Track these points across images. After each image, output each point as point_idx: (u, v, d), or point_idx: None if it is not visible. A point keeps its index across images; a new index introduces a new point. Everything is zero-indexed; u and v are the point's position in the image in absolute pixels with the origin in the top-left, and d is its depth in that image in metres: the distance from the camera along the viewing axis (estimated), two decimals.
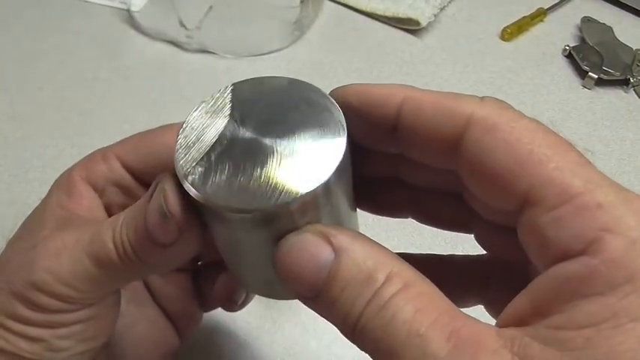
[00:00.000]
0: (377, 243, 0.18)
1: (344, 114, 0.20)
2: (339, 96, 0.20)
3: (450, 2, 0.60)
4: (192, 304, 0.31)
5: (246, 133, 0.20)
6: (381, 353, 0.16)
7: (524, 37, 0.58)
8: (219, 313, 0.35)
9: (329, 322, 0.18)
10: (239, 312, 0.30)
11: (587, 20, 0.58)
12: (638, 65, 0.54)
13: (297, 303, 0.19)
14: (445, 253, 0.26)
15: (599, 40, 0.55)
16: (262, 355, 0.36)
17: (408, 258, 0.18)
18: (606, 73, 0.53)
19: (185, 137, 0.20)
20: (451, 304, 0.17)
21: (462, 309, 0.17)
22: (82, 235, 0.22)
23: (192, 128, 0.20)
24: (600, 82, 0.53)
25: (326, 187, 0.18)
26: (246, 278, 0.24)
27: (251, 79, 0.21)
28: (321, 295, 0.17)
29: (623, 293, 0.14)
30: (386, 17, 0.59)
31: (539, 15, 0.59)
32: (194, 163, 0.19)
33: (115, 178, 0.25)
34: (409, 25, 0.58)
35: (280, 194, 0.18)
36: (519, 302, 0.16)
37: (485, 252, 0.24)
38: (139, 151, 0.25)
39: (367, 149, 0.22)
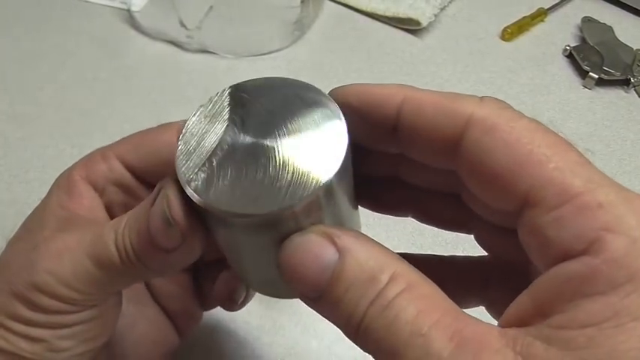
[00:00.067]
0: (380, 244, 0.18)
1: (344, 114, 0.20)
2: (339, 96, 0.20)
3: (450, 2, 0.60)
4: (192, 302, 0.31)
5: (246, 137, 0.19)
6: (384, 353, 0.16)
7: (524, 37, 0.58)
8: (219, 313, 0.35)
9: (330, 323, 0.18)
10: (239, 312, 0.30)
11: (587, 20, 0.58)
12: (638, 65, 0.54)
13: (297, 303, 0.19)
14: (446, 253, 0.26)
15: (599, 40, 0.55)
16: (262, 355, 0.36)
17: (409, 258, 0.18)
18: (607, 73, 0.53)
19: (185, 143, 0.20)
20: (453, 304, 0.17)
21: (463, 310, 0.17)
22: (84, 236, 0.22)
23: (192, 134, 0.20)
24: (601, 82, 0.53)
25: (329, 188, 0.18)
26: (248, 277, 0.24)
27: (248, 80, 0.21)
28: (325, 296, 0.17)
29: (624, 292, 0.14)
30: (386, 17, 0.59)
31: (540, 15, 0.59)
32: (196, 170, 0.19)
33: (115, 177, 0.25)
34: (409, 25, 0.58)
35: (284, 198, 0.18)
36: (521, 302, 0.16)
37: (485, 253, 0.24)
38: (140, 150, 0.25)
39: (367, 149, 0.22)
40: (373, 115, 0.20)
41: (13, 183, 0.45)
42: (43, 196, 0.25)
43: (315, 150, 0.19)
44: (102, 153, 0.25)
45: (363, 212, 0.25)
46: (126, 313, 0.26)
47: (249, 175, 0.18)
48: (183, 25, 0.54)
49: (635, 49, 0.55)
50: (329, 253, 0.17)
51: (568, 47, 0.55)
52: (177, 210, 0.19)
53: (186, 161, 0.19)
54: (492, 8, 0.61)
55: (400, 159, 0.21)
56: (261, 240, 0.19)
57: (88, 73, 0.54)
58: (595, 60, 0.54)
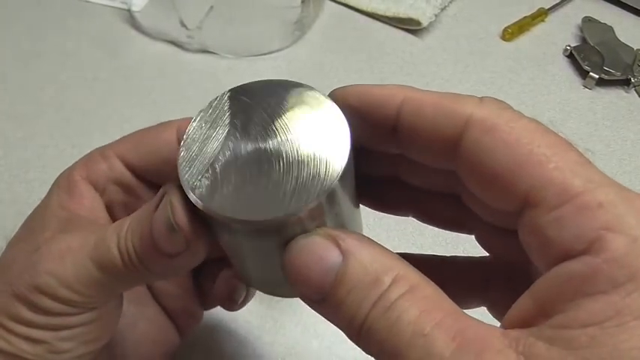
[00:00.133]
0: (383, 247, 0.18)
1: (344, 115, 0.20)
2: (339, 97, 0.20)
3: (450, 2, 0.60)
4: (193, 302, 0.31)
5: (248, 142, 0.19)
6: (386, 354, 0.16)
7: (525, 37, 0.58)
8: (220, 313, 0.35)
9: (331, 323, 0.18)
10: (240, 311, 0.30)
11: (588, 20, 0.58)
12: (639, 65, 0.54)
13: (298, 303, 0.19)
14: (446, 253, 0.26)
15: (600, 40, 0.55)
16: (263, 355, 0.36)
17: (410, 259, 0.18)
18: (607, 73, 0.53)
19: (187, 149, 0.20)
20: (455, 306, 0.17)
21: (465, 311, 0.17)
22: (87, 239, 0.22)
23: (194, 140, 0.20)
24: (601, 82, 0.53)
25: (333, 192, 0.18)
26: (250, 277, 0.24)
27: (247, 83, 0.21)
28: (328, 298, 0.17)
29: (625, 291, 0.14)
30: (387, 17, 0.59)
31: (540, 15, 0.59)
32: (199, 176, 0.19)
33: (115, 176, 0.25)
34: (410, 25, 0.58)
35: (289, 203, 0.18)
36: (523, 303, 0.16)
37: (486, 253, 0.24)
38: (139, 149, 0.25)
39: (368, 149, 0.22)
40: (373, 115, 0.20)
41: (14, 183, 0.45)
42: (44, 196, 0.25)
43: (319, 153, 0.19)
44: (101, 152, 0.25)
45: (364, 213, 0.25)
46: (126, 313, 0.26)
47: (253, 180, 0.18)
48: (183, 25, 0.54)
49: (635, 49, 0.55)
50: (333, 256, 0.17)
51: (568, 47, 0.55)
52: (181, 216, 0.19)
53: (189, 168, 0.19)
54: (493, 8, 0.61)
55: (400, 159, 0.21)
56: (265, 244, 0.19)
57: (89, 73, 0.54)
58: (595, 60, 0.54)
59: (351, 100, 0.20)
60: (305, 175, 0.18)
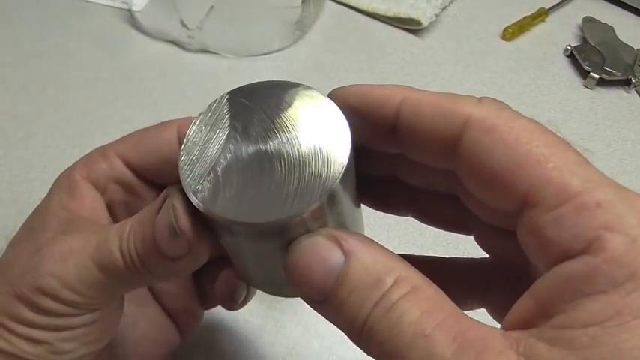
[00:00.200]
0: (385, 248, 0.18)
1: (344, 115, 0.20)
2: (339, 96, 0.20)
3: (451, 2, 0.60)
4: (193, 301, 0.31)
5: (248, 144, 0.19)
6: (387, 355, 0.16)
7: (525, 37, 0.58)
8: (220, 313, 0.35)
9: (331, 323, 0.18)
10: (241, 311, 0.30)
11: (588, 20, 0.58)
12: (639, 65, 0.54)
13: (299, 303, 0.19)
14: (447, 254, 0.26)
15: (600, 40, 0.55)
16: (264, 355, 0.36)
17: (410, 259, 0.18)
18: (608, 73, 0.53)
19: (188, 153, 0.20)
20: (457, 307, 0.17)
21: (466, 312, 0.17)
22: (88, 240, 0.22)
23: (194, 143, 0.20)
24: (602, 82, 0.53)
25: (335, 191, 0.18)
26: (251, 278, 0.24)
27: (246, 85, 0.21)
28: (330, 299, 0.17)
29: (625, 291, 0.14)
30: (387, 17, 0.59)
31: (541, 15, 0.59)
32: (201, 180, 0.19)
33: (116, 175, 0.25)
34: (410, 25, 0.58)
35: (292, 205, 0.18)
36: (523, 304, 0.16)
37: (486, 255, 0.24)
38: (140, 149, 0.25)
39: (367, 149, 0.22)
40: (372, 115, 0.20)
41: (14, 183, 0.45)
42: (44, 196, 0.25)
43: (320, 153, 0.19)
44: (102, 152, 0.25)
45: (364, 212, 0.25)
46: (127, 312, 0.26)
47: (255, 182, 0.18)
48: (184, 25, 0.54)
49: (636, 49, 0.55)
50: (335, 256, 0.17)
51: (569, 47, 0.55)
52: (184, 221, 0.20)
53: (191, 172, 0.19)
54: (493, 8, 0.61)
55: (400, 159, 0.22)
56: (267, 245, 0.19)
57: (89, 73, 0.54)
58: (596, 60, 0.54)
59: (351, 100, 0.20)
60: (307, 175, 0.18)
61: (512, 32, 0.57)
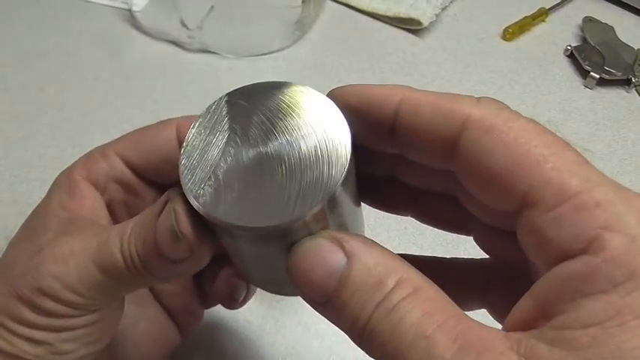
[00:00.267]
0: (387, 249, 0.18)
1: (344, 115, 0.20)
2: (338, 96, 0.20)
3: (451, 2, 0.60)
4: (193, 300, 0.31)
5: (249, 147, 0.19)
6: (389, 357, 0.16)
7: (525, 37, 0.58)
8: (221, 313, 0.35)
9: (331, 323, 0.18)
10: (241, 311, 0.30)
11: (588, 20, 0.58)
12: (639, 65, 0.54)
13: (299, 303, 0.19)
14: (447, 254, 0.26)
15: (600, 40, 0.55)
16: (264, 355, 0.36)
17: (410, 260, 0.18)
18: (608, 73, 0.53)
19: (188, 157, 0.20)
20: (458, 308, 0.17)
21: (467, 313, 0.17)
22: (89, 241, 0.22)
23: (194, 147, 0.20)
24: (602, 82, 0.53)
25: (337, 194, 0.18)
26: (253, 277, 0.24)
27: (244, 86, 0.21)
28: (332, 300, 0.17)
29: (625, 291, 0.14)
30: (387, 17, 0.59)
31: (541, 15, 0.59)
32: (202, 184, 0.19)
33: (116, 175, 0.25)
34: (411, 25, 0.58)
35: (294, 208, 0.18)
36: (523, 305, 0.16)
37: (486, 256, 0.24)
38: (139, 148, 0.25)
39: (366, 149, 0.22)
40: (371, 115, 0.20)
41: (14, 183, 0.45)
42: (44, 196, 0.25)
43: (320, 155, 0.18)
44: (101, 151, 0.25)
45: (364, 212, 0.25)
46: (127, 312, 0.26)
47: (256, 185, 0.18)
48: (184, 25, 0.54)
49: (636, 48, 0.55)
50: (338, 258, 0.17)
51: (569, 47, 0.55)
52: (185, 225, 0.20)
53: (192, 176, 0.19)
54: (493, 8, 0.61)
55: (399, 159, 0.21)
56: (269, 248, 0.19)
57: (89, 73, 0.54)
58: (596, 60, 0.54)
59: (350, 100, 0.20)
60: (308, 178, 0.18)
61: (512, 32, 0.57)
